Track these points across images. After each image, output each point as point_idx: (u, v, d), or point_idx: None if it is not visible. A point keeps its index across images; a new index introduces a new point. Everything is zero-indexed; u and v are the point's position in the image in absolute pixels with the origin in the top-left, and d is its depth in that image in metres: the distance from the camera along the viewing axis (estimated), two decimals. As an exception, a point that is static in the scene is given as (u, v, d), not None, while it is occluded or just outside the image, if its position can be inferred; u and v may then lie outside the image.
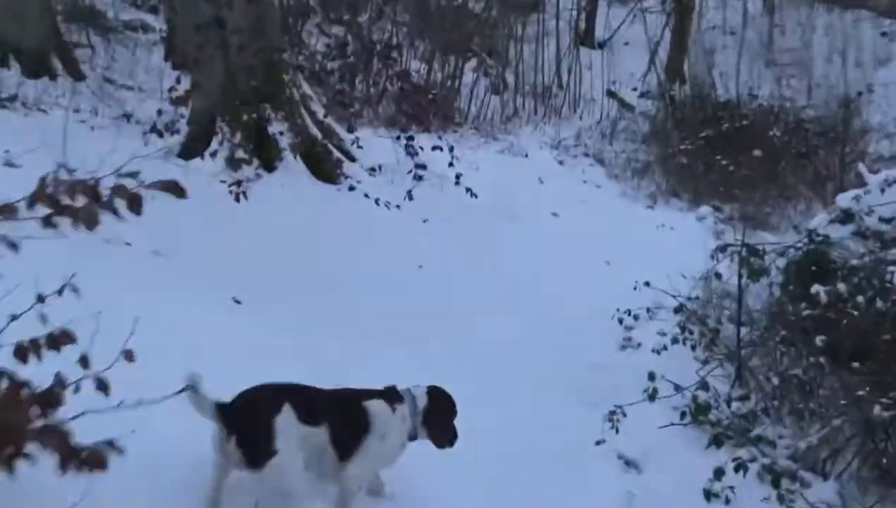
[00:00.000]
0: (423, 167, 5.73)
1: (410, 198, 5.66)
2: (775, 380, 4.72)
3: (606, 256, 8.18)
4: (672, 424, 4.68)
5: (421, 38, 15.11)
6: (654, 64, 15.82)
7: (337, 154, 7.57)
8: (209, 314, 4.52)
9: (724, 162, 10.57)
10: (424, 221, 7.23)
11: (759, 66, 16.05)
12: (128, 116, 7.97)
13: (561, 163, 11.35)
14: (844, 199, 6.72)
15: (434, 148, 5.63)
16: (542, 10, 17.27)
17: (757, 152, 10.56)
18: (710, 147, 10.85)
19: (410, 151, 5.53)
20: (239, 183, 5.28)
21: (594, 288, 7.15)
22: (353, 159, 7.81)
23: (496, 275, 6.89)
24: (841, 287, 4.84)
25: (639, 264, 8.09)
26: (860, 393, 3.81)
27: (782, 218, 10.59)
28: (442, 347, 5.58)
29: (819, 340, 4.38)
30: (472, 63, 15.24)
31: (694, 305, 6.52)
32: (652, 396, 4.96)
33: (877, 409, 3.61)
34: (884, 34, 17.47)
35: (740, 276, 5.46)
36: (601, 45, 17.93)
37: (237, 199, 5.07)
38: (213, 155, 6.88)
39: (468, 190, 5.95)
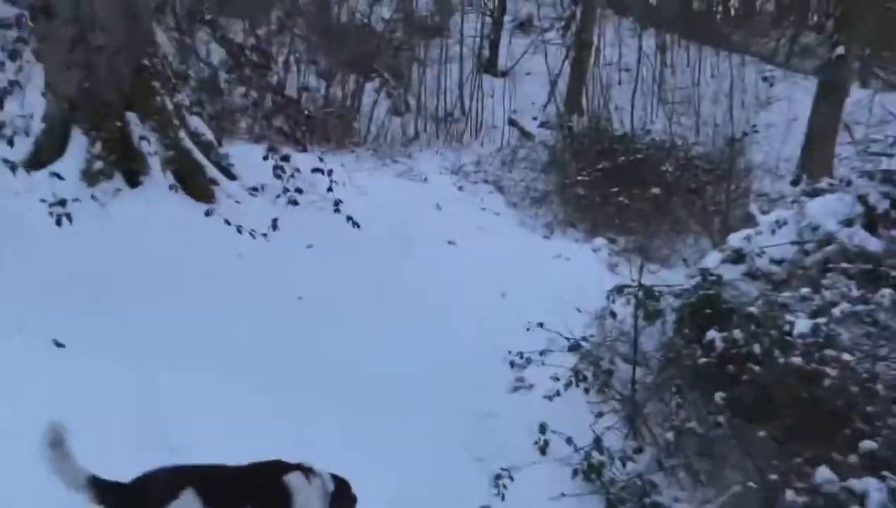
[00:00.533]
0: (299, 191, 5.04)
1: (275, 227, 4.93)
2: (670, 435, 4.29)
3: (502, 287, 7.71)
4: (563, 495, 4.15)
5: (322, 55, 14.43)
6: (554, 95, 15.72)
7: (214, 171, 6.76)
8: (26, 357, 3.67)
9: (619, 194, 10.38)
10: (308, 247, 6.53)
11: (651, 102, 16.24)
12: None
13: (460, 189, 10.88)
14: (736, 239, 6.51)
15: (314, 170, 4.97)
16: (447, 36, 16.94)
17: (652, 188, 10.44)
18: (606, 179, 10.65)
19: (279, 173, 4.82)
20: (63, 202, 4.37)
21: (488, 322, 6.64)
22: (232, 177, 7.03)
23: (384, 307, 6.26)
24: (736, 333, 4.50)
25: (534, 296, 7.67)
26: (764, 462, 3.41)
27: (673, 251, 10.49)
28: (318, 388, 4.91)
29: (719, 397, 3.98)
30: (375, 83, 14.72)
31: (588, 344, 6.12)
32: (543, 450, 4.46)
33: (789, 494, 3.20)
34: (765, 78, 18.09)
35: (636, 318, 5.05)
36: (504, 74, 17.73)
37: (58, 223, 4.20)
38: (64, 166, 5.94)
39: (349, 218, 5.31)
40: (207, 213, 5.01)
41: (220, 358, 4.63)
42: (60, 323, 4.22)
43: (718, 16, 23.40)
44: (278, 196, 5.53)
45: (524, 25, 19.23)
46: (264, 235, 4.96)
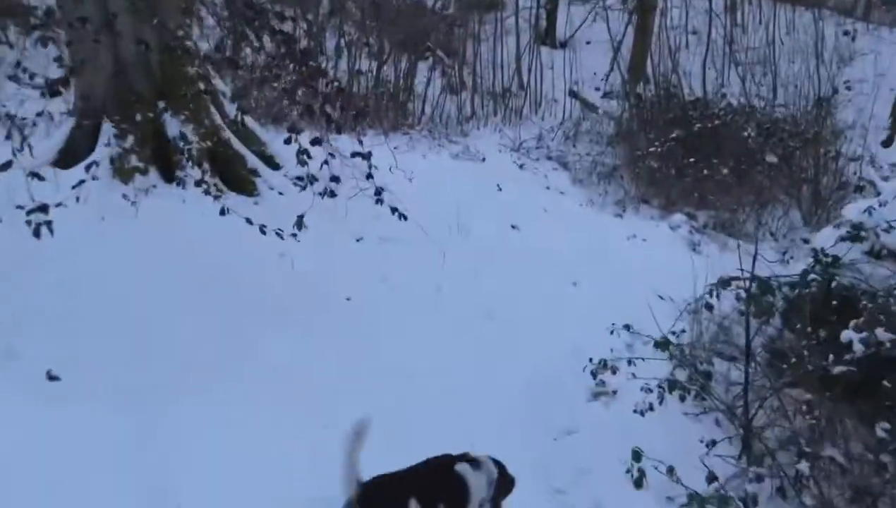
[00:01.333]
0: (336, 179, 4.28)
1: (299, 226, 4.17)
2: (803, 465, 3.35)
3: (573, 276, 6.81)
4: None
5: (374, 36, 13.66)
6: (617, 63, 14.52)
7: (255, 161, 6.07)
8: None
9: (696, 165, 9.27)
10: (358, 240, 5.78)
11: (724, 64, 14.85)
12: (11, 117, 6.36)
13: (521, 167, 9.96)
14: (854, 212, 5.43)
15: (354, 154, 4.20)
16: (502, 8, 15.90)
17: (733, 156, 9.29)
18: (680, 149, 9.53)
19: (304, 160, 4.09)
20: (44, 207, 3.68)
21: (560, 318, 5.76)
22: (276, 166, 6.32)
23: (441, 305, 5.46)
24: (882, 335, 3.51)
25: (610, 285, 6.74)
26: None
27: (759, 225, 9.34)
28: (368, 399, 4.16)
29: (881, 430, 3.02)
30: (429, 62, 13.88)
31: (678, 342, 5.18)
32: (638, 482, 3.59)
33: None
34: (846, 32, 16.39)
35: (748, 316, 4.09)
36: (562, 45, 16.61)
37: (36, 234, 3.52)
38: (96, 164, 5.31)
39: (394, 210, 4.52)
40: (222, 212, 4.26)
41: (247, 385, 3.91)
42: (59, 349, 3.57)
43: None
44: (303, 185, 4.75)
45: (582, -7, 17.96)
46: (294, 235, 4.21)
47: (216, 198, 4.31)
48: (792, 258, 8.79)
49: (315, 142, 4.03)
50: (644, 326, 5.79)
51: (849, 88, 11.54)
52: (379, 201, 4.28)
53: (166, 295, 4.33)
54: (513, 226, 7.63)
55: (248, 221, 4.28)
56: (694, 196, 9.17)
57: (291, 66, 3.59)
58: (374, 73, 11.60)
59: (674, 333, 5.29)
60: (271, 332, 4.35)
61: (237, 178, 5.88)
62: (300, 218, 4.22)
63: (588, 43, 16.58)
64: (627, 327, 4.60)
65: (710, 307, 4.82)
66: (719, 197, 9.17)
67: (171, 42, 5.77)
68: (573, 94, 13.96)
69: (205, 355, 3.95)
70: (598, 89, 14.69)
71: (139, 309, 4.14)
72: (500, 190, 8.59)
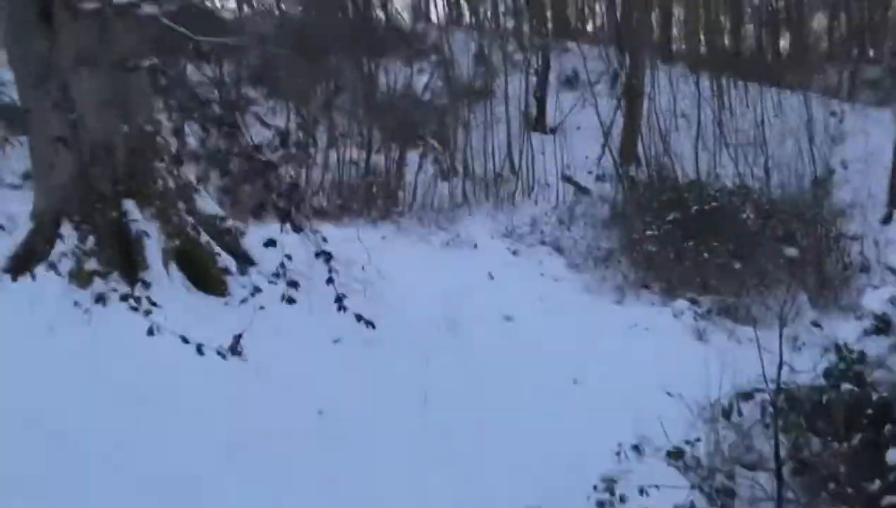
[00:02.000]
0: (294, 285, 3.75)
1: (234, 351, 3.59)
2: None
3: (573, 372, 6.19)
4: None
5: (365, 126, 13.52)
6: (608, 147, 14.30)
7: (227, 259, 5.57)
8: None
9: (695, 249, 8.79)
10: (335, 342, 5.21)
11: (714, 147, 14.63)
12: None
13: (515, 253, 9.48)
14: (875, 301, 4.89)
15: (317, 254, 3.68)
16: (492, 97, 15.84)
17: (732, 239, 8.83)
18: (678, 232, 9.08)
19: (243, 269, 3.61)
20: None
21: (560, 424, 5.12)
22: (251, 263, 5.82)
23: (426, 415, 4.83)
24: (940, 456, 2.90)
25: (613, 381, 6.13)
26: None
27: (765, 308, 8.77)
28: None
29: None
30: (420, 150, 13.69)
31: (696, 451, 4.54)
32: None
33: None
34: (833, 114, 16.27)
35: (776, 434, 3.48)
36: (553, 130, 16.45)
37: None
38: (52, 266, 4.80)
39: (360, 318, 3.97)
40: (150, 331, 3.63)
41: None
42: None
43: (769, 56, 21.76)
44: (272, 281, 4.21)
45: (570, 81, 18.02)
46: (222, 356, 3.61)
47: (146, 313, 3.76)
48: (804, 344, 8.18)
49: (269, 243, 3.52)
50: (653, 429, 5.15)
51: (845, 168, 11.22)
52: (342, 308, 3.73)
53: (107, 427, 3.73)
54: (506, 318, 7.06)
55: (184, 340, 3.71)
56: (696, 280, 8.64)
57: (237, 160, 3.15)
58: (364, 162, 11.31)
59: (688, 442, 4.66)
60: (222, 472, 3.71)
61: (208, 279, 5.37)
62: (237, 339, 3.63)
63: (578, 128, 16.42)
64: (637, 448, 3.95)
65: (727, 415, 4.20)
66: (722, 281, 8.65)
67: (140, 138, 5.37)
68: (566, 179, 13.64)
69: None
70: (590, 172, 14.39)
71: (74, 445, 3.52)
72: (492, 278, 8.07)
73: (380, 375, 4.98)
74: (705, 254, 8.71)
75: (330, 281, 3.42)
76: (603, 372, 6.20)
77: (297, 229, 3.14)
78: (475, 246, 9.19)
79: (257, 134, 14.00)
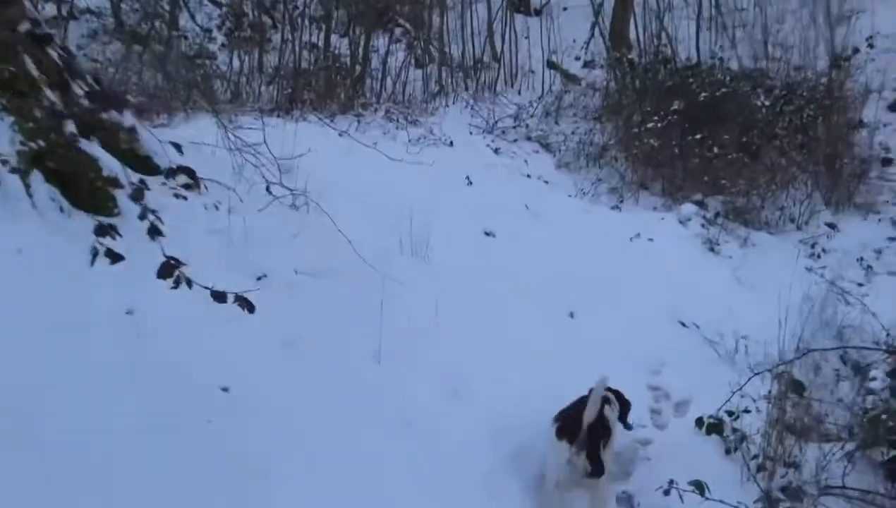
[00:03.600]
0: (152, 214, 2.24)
1: (164, 274, 2.31)
2: None
3: (568, 302, 4.81)
4: None
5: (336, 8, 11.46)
6: (600, 28, 12.36)
7: (115, 166, 3.97)
8: None
9: (703, 142, 7.25)
10: (259, 279, 3.74)
11: (710, 29, 12.71)
12: None
13: (497, 151, 7.89)
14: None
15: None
16: (471, -26, 13.63)
17: (745, 130, 7.27)
18: (682, 123, 7.50)
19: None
20: None
21: (554, 378, 3.78)
22: (155, 170, 4.23)
23: (380, 384, 3.45)
24: None
25: (617, 312, 4.76)
26: None
27: (779, 211, 7.38)
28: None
29: None
30: (394, 35, 11.71)
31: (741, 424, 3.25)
32: None
33: None
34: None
35: None
36: (538, 12, 14.36)
37: None
38: None
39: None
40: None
41: None
42: None
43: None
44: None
45: (556, -45, 15.67)
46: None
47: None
48: (823, 251, 6.85)
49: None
50: (671, 375, 3.85)
51: (871, 46, 9.47)
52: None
53: None
54: (487, 233, 5.60)
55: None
56: (703, 179, 7.16)
57: None
58: (322, 46, 9.40)
59: (731, 414, 3.34)
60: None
61: (83, 193, 3.80)
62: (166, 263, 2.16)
63: (565, 9, 14.33)
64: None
65: (800, 389, 2.84)
66: (731, 179, 7.18)
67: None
68: (552, 65, 11.79)
69: None
70: (578, 59, 12.53)
71: None
72: (471, 183, 6.53)
73: (317, 325, 3.54)
74: (714, 149, 7.19)
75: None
76: (603, 299, 4.83)
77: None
78: (451, 143, 7.57)
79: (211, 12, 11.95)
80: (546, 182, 7.24)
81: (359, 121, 7.48)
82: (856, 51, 8.76)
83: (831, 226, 7.33)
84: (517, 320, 4.33)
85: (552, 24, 12.97)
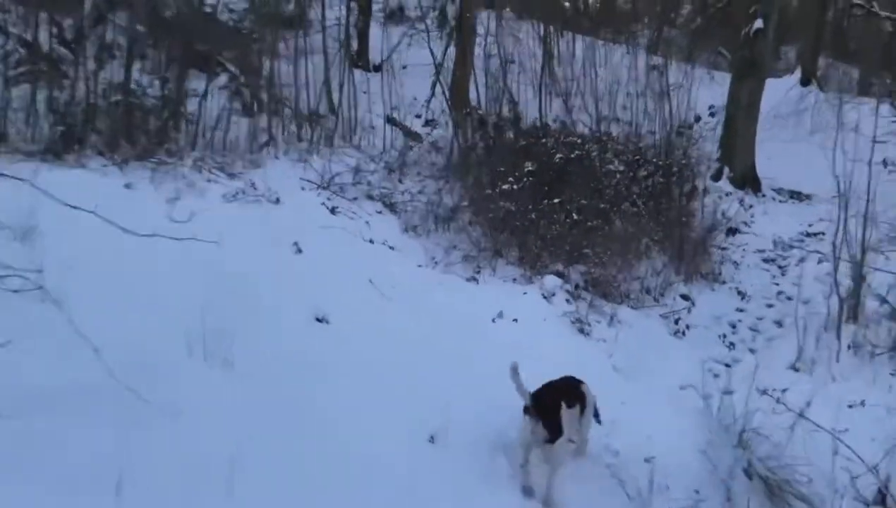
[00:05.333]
0: None
1: None
2: None
3: (427, 418, 3.41)
4: None
5: (152, 47, 9.51)
6: (441, 86, 11.54)
7: None
8: None
9: (563, 207, 6.36)
10: None
11: (542, 93, 12.40)
12: None
13: (334, 211, 6.43)
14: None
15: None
16: (304, 26, 12.29)
17: (601, 196, 6.49)
18: (539, 186, 6.59)
19: None
20: None
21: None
22: None
23: None
24: None
25: (485, 430, 3.46)
26: None
27: (635, 281, 6.64)
28: None
29: None
30: (222, 81, 9.97)
31: None
32: None
33: None
34: (654, 67, 14.80)
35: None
36: (377, 68, 13.33)
37: None
38: None
39: None
40: None
41: None
42: None
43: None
44: None
45: (395, 15, 14.91)
46: None
47: None
48: (688, 328, 6.14)
49: None
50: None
51: (712, 115, 9.35)
52: None
53: None
54: (318, 320, 4.08)
55: None
56: (564, 248, 6.22)
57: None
58: (123, 81, 7.46)
59: None
60: None
61: None
62: None
63: (405, 67, 13.47)
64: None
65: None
66: (592, 248, 6.32)
67: None
68: (392, 121, 10.67)
69: None
70: (419, 116, 11.57)
71: None
72: (300, 250, 5.00)
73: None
74: (574, 215, 6.31)
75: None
76: (472, 410, 3.49)
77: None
78: (277, 200, 6.01)
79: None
80: (392, 248, 5.89)
81: (155, 172, 5.68)
82: (697, 119, 8.52)
83: (685, 297, 6.70)
84: (357, 449, 2.84)
85: (392, 80, 11.97)
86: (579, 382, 3.75)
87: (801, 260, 8.31)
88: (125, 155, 6.14)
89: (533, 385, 3.99)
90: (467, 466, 3.12)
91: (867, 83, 15.11)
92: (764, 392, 4.24)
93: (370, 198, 6.96)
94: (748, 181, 10.82)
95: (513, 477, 3.23)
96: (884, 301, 5.82)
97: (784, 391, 4.30)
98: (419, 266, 5.67)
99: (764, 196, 10.65)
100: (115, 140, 6.41)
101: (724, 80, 12.94)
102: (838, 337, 5.54)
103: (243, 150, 7.92)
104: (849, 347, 5.23)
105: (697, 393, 4.67)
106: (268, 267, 4.28)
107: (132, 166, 5.74)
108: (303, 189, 6.69)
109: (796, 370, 5.16)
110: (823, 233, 9.30)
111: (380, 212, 6.69)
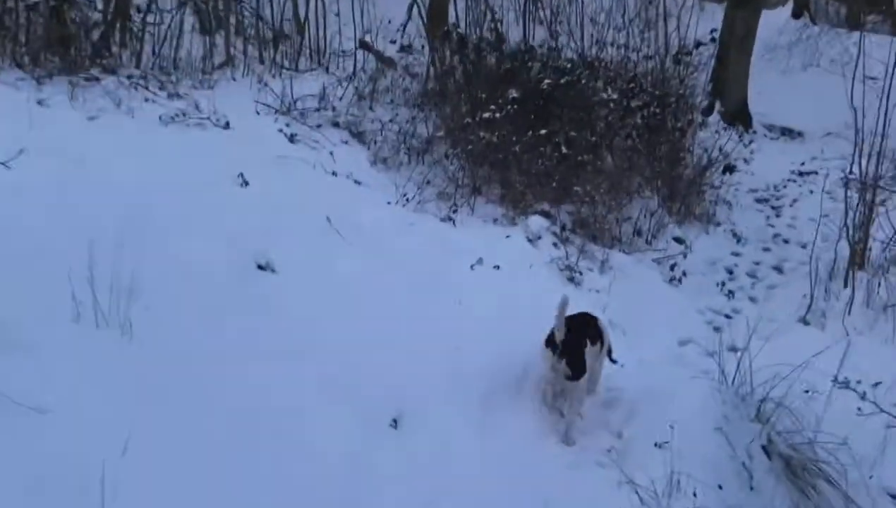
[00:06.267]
0: None
1: None
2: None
3: (388, 400, 2.66)
4: None
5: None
6: (418, 7, 10.36)
7: None
8: None
9: (550, 138, 5.51)
10: None
11: (533, 21, 11.26)
12: None
13: (292, 139, 5.48)
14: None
15: None
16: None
17: (592, 126, 5.64)
18: (525, 116, 5.71)
19: None
20: None
21: None
22: None
23: None
24: None
25: (468, 418, 2.72)
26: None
27: (626, 222, 5.89)
28: None
29: None
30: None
31: None
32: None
33: None
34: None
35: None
36: (349, -12, 11.99)
37: None
38: None
39: None
40: None
41: None
42: None
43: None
44: None
45: (370, -70, 13.37)
46: None
47: None
48: (684, 274, 5.44)
49: None
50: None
51: (713, 40, 8.37)
52: None
53: None
54: (260, 267, 3.26)
55: None
56: (552, 185, 5.41)
57: None
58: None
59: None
60: None
61: None
62: None
63: (380, -13, 12.15)
64: None
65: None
66: (583, 185, 5.52)
67: None
68: (364, 46, 9.52)
69: None
70: (394, 42, 10.42)
71: None
72: (246, 183, 4.13)
73: None
74: (563, 149, 5.46)
75: None
76: (443, 384, 2.76)
77: None
78: (226, 124, 5.05)
79: None
80: (358, 182, 5.02)
81: (73, 86, 4.66)
82: (698, 44, 7.59)
83: (679, 240, 5.99)
84: (303, 422, 2.10)
85: (366, 2, 10.71)
86: (595, 318, 3.52)
87: (795, 200, 7.68)
88: (50, 69, 5.10)
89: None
90: (438, 456, 2.40)
91: (856, 18, 14.18)
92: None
93: (336, 125, 6.02)
94: (739, 116, 10.07)
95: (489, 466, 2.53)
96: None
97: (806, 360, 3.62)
98: (388, 203, 4.83)
99: (755, 132, 9.92)
100: (39, 52, 5.34)
101: (714, 10, 11.94)
102: (848, 285, 4.90)
103: (195, 70, 6.87)
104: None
105: (701, 349, 4.03)
106: (202, 203, 3.42)
107: (55, 81, 4.72)
108: (258, 113, 5.73)
109: (806, 323, 4.51)
110: (816, 172, 8.68)
111: (346, 142, 5.77)
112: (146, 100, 5.04)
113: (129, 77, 5.33)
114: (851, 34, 12.76)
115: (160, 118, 4.60)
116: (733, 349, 4.20)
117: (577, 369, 3.11)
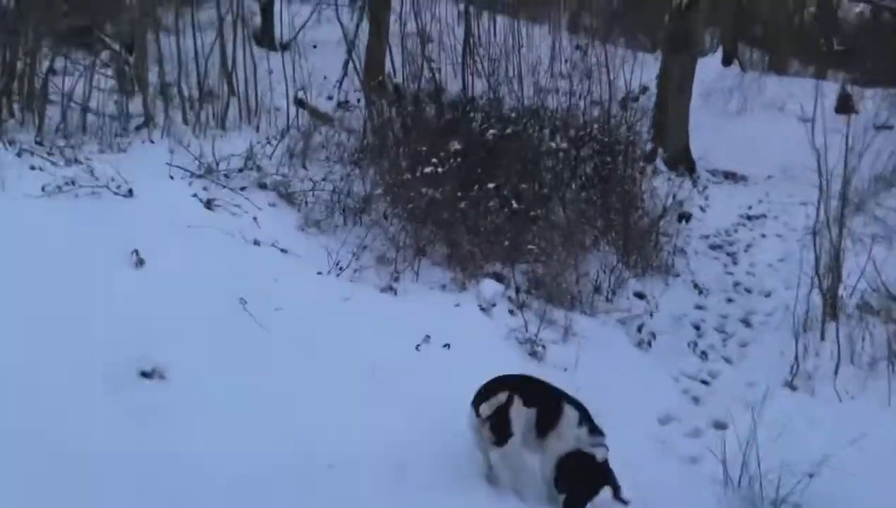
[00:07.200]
0: None
1: None
2: None
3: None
4: None
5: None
6: (354, 65, 9.94)
7: None
8: None
9: (499, 193, 4.97)
10: None
11: (464, 72, 10.99)
12: None
13: (209, 204, 4.74)
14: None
15: None
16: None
17: (539, 179, 5.14)
18: (469, 169, 5.17)
19: None
20: None
21: None
22: None
23: None
24: None
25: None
26: None
27: (583, 277, 5.34)
28: None
29: None
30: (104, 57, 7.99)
31: None
32: None
33: None
34: (578, 47, 13.66)
35: None
36: (284, 47, 11.52)
37: None
38: None
39: None
40: None
41: None
42: None
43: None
44: None
45: (302, -10, 13.08)
46: None
47: None
48: (653, 336, 4.88)
49: None
50: None
51: (635, 99, 8.12)
52: None
53: None
54: (144, 374, 2.51)
55: None
56: (503, 243, 4.83)
57: None
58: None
59: None
60: None
61: None
62: None
63: (315, 46, 11.72)
64: None
65: None
66: (536, 242, 4.96)
67: None
68: (300, 103, 8.94)
69: None
70: (330, 98, 9.92)
71: None
72: (142, 262, 3.37)
73: None
74: (513, 203, 4.92)
75: None
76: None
77: None
78: (129, 191, 4.29)
79: None
80: (284, 251, 4.31)
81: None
82: (644, 89, 7.32)
83: (640, 296, 5.48)
84: None
85: (300, 59, 10.21)
86: (560, 394, 2.92)
87: (748, 245, 7.38)
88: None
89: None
90: None
91: (782, 64, 14.61)
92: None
93: (262, 187, 5.33)
94: (682, 161, 9.91)
95: None
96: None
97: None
98: (319, 273, 4.14)
99: (699, 177, 9.75)
100: None
101: (649, 61, 11.99)
102: (825, 338, 4.45)
103: (107, 134, 6.13)
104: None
105: (684, 429, 3.44)
106: (73, 294, 2.65)
107: None
108: (171, 177, 4.99)
109: (793, 388, 3.99)
110: (765, 216, 8.48)
111: (273, 205, 5.08)
112: (32, 168, 4.25)
113: (11, 142, 4.54)
114: (781, 79, 13.08)
115: (43, 188, 3.82)
116: (719, 425, 3.65)
117: (500, 432, 2.63)
